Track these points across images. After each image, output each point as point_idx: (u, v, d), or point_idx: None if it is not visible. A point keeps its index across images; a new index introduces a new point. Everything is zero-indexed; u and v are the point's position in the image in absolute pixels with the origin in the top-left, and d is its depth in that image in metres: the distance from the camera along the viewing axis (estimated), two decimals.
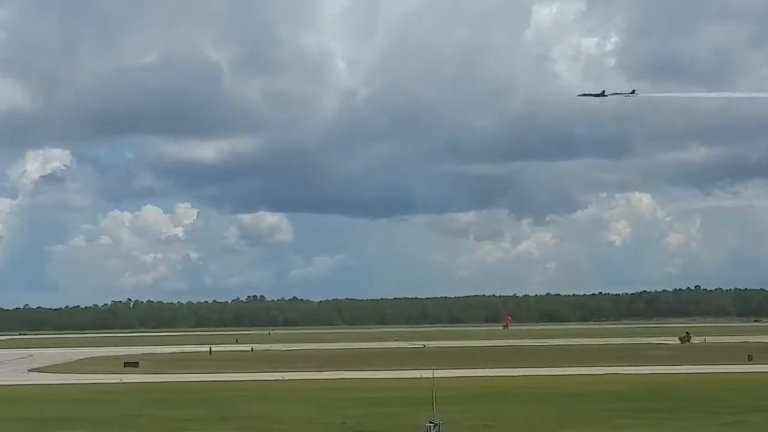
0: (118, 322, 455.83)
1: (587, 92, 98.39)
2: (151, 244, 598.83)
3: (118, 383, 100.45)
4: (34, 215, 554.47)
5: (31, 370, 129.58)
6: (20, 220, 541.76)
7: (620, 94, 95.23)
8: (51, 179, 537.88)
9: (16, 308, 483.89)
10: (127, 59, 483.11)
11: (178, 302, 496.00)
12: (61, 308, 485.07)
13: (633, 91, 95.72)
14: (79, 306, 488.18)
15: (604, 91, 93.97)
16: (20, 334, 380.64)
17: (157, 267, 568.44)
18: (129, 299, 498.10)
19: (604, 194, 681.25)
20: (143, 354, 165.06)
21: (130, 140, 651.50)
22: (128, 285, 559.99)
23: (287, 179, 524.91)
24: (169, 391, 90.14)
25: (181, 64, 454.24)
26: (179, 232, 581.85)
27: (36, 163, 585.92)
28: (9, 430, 61.82)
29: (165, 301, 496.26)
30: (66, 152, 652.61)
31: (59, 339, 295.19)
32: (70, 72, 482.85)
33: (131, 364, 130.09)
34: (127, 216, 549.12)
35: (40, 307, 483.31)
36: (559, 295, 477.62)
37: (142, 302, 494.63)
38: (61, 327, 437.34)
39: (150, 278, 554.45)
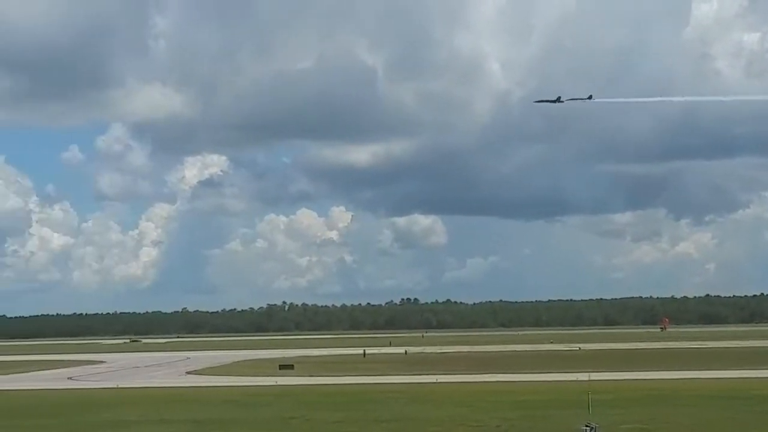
0: (273, 325, 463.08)
1: (544, 99, 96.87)
2: (306, 247, 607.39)
3: (273, 385, 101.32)
4: (192, 220, 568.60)
5: (188, 372, 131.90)
6: (178, 225, 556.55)
7: (577, 99, 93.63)
8: (208, 184, 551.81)
9: (175, 311, 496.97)
10: (284, 64, 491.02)
11: (333, 305, 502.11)
12: (217, 311, 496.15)
13: (590, 96, 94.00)
14: (235, 309, 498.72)
15: (560, 97, 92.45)
16: (178, 337, 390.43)
17: (311, 270, 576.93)
18: (284, 302, 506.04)
19: (767, 193, 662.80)
20: (298, 356, 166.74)
21: (286, 145, 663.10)
22: (283, 288, 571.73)
23: (442, 182, 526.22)
24: (323, 394, 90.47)
25: (337, 68, 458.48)
26: (334, 235, 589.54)
27: (194, 169, 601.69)
28: (167, 431, 62.66)
29: (319, 304, 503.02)
30: (223, 158, 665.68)
31: (216, 341, 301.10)
32: (227, 78, 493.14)
33: (286, 367, 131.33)
34: (282, 220, 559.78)
35: (197, 310, 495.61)
36: (719, 296, 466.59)
37: (296, 305, 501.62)
38: (217, 330, 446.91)
39: (305, 281, 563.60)
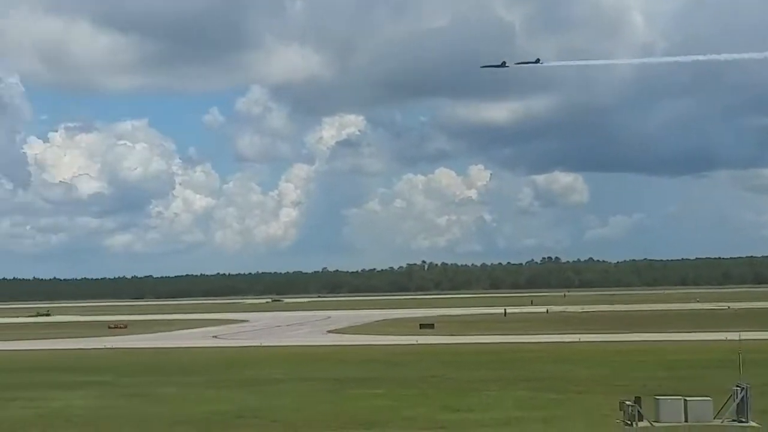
0: (412, 284, 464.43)
1: (489, 64, 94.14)
2: (445, 206, 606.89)
3: (414, 344, 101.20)
4: (331, 180, 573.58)
5: (329, 331, 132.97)
6: (317, 185, 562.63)
7: (525, 63, 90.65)
8: (346, 144, 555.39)
9: (315, 271, 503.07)
10: (419, 23, 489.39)
11: (472, 264, 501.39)
12: (357, 271, 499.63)
13: (538, 60, 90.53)
14: (374, 269, 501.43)
15: (504, 62, 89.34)
16: (318, 296, 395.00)
17: (450, 229, 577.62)
18: (423, 261, 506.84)
19: None
20: (438, 316, 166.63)
21: (423, 104, 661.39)
22: (422, 247, 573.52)
23: (583, 138, 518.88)
24: (464, 353, 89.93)
25: (474, 25, 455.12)
26: (473, 194, 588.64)
27: (332, 129, 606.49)
28: (310, 389, 62.80)
29: (459, 263, 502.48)
30: (360, 117, 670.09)
31: (355, 301, 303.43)
32: (364, 38, 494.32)
33: (427, 326, 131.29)
34: (420, 179, 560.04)
35: (337, 270, 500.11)
36: None
37: (436, 264, 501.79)
38: (357, 289, 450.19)
39: (444, 240, 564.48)
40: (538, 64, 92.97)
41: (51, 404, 57.02)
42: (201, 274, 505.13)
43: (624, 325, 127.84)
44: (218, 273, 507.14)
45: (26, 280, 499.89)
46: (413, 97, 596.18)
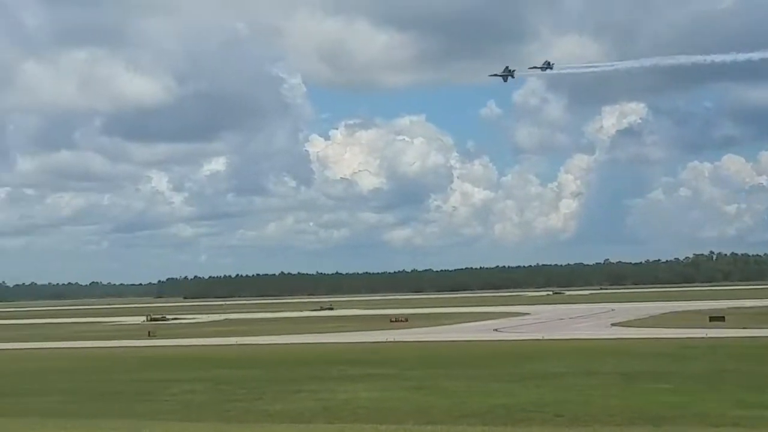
0: (700, 276, 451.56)
1: (496, 73, 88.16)
2: (734, 194, 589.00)
3: (703, 338, 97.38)
4: (611, 170, 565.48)
5: (613, 324, 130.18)
6: (598, 175, 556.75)
7: (535, 68, 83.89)
8: (627, 133, 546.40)
9: (597, 263, 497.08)
10: (703, 5, 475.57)
11: (765, 254, 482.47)
12: (640, 262, 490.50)
13: (549, 64, 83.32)
14: (659, 260, 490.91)
15: (511, 72, 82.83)
16: (601, 288, 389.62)
17: (740, 218, 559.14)
18: (711, 252, 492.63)
19: None
20: (729, 308, 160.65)
21: (708, 89, 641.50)
22: (710, 237, 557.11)
23: None
24: (758, 346, 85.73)
25: (761, 5, 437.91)
26: (764, 180, 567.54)
27: (612, 118, 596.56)
28: (595, 383, 61.07)
29: (750, 253, 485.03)
30: (641, 105, 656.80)
31: (640, 293, 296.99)
32: (645, 23, 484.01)
33: (717, 318, 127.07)
34: (706, 166, 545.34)
35: (620, 261, 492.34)
36: None
37: (725, 254, 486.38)
38: (641, 281, 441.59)
39: (733, 229, 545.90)
40: (549, 71, 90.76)
41: (337, 396, 57.65)
42: (480, 267, 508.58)
43: None
44: (497, 266, 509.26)
45: (310, 274, 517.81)
46: (697, 82, 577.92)
